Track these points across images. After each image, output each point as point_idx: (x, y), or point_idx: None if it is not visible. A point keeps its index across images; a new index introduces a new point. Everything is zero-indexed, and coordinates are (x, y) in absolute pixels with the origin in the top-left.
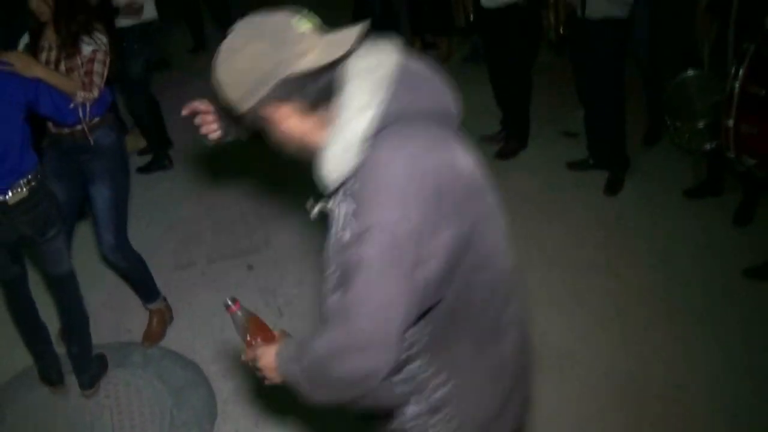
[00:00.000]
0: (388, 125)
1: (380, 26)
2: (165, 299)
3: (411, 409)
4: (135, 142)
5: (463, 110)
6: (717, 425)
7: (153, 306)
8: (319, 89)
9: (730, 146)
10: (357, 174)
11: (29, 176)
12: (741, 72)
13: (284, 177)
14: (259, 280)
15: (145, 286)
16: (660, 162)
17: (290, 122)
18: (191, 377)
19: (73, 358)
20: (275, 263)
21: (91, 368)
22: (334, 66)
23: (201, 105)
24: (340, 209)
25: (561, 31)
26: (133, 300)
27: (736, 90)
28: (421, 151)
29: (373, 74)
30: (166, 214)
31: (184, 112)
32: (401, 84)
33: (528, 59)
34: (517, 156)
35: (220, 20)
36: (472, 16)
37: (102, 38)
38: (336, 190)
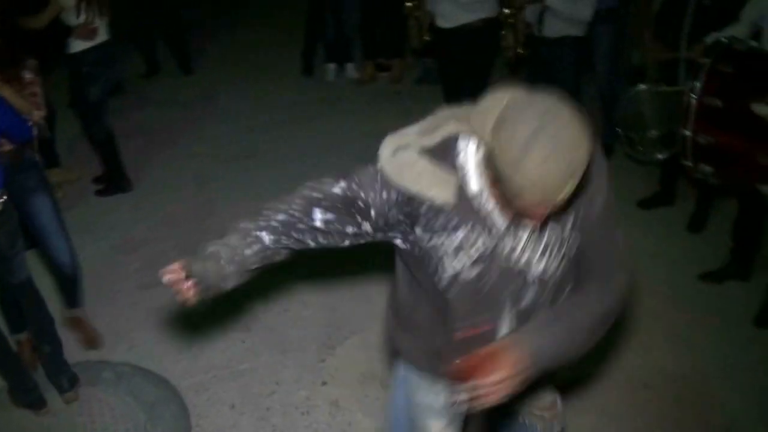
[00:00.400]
0: None
1: (333, 51)
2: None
3: None
4: (65, 175)
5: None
6: None
7: (78, 312)
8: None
9: (688, 155)
10: None
11: (2, 190)
12: (698, 85)
13: (245, 192)
14: (225, 298)
15: (80, 290)
16: (614, 174)
17: None
18: (163, 393)
19: (48, 359)
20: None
21: (68, 368)
22: None
23: (173, 274)
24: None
25: (520, 51)
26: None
27: (694, 102)
28: None
29: None
30: (128, 236)
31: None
32: None
33: (483, 79)
34: None
35: (173, 44)
36: (427, 37)
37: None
38: None
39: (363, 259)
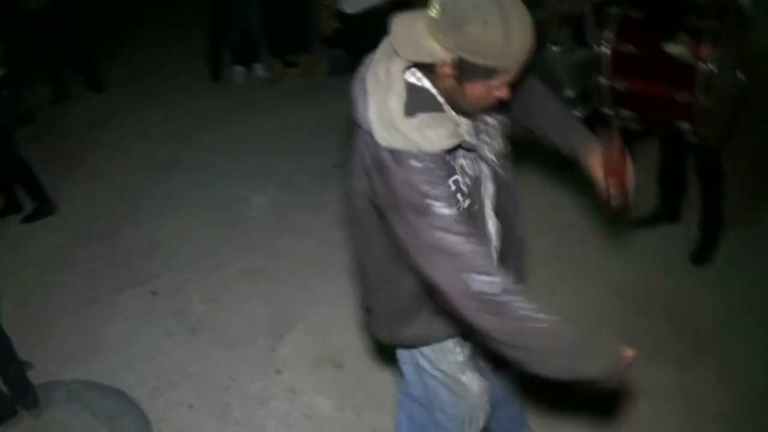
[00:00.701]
0: None
1: (239, 53)
2: None
3: None
4: None
5: (326, 120)
6: None
7: None
8: None
9: (607, 103)
10: None
11: None
12: (610, 34)
13: (170, 199)
14: (166, 304)
15: None
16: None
17: None
18: (119, 404)
19: (12, 380)
20: (177, 285)
21: (31, 385)
22: None
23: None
24: None
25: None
26: (29, 335)
27: (608, 51)
28: None
29: None
30: (60, 256)
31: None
32: None
33: None
34: None
35: (81, 64)
36: (337, 24)
37: None
38: None
39: (295, 249)
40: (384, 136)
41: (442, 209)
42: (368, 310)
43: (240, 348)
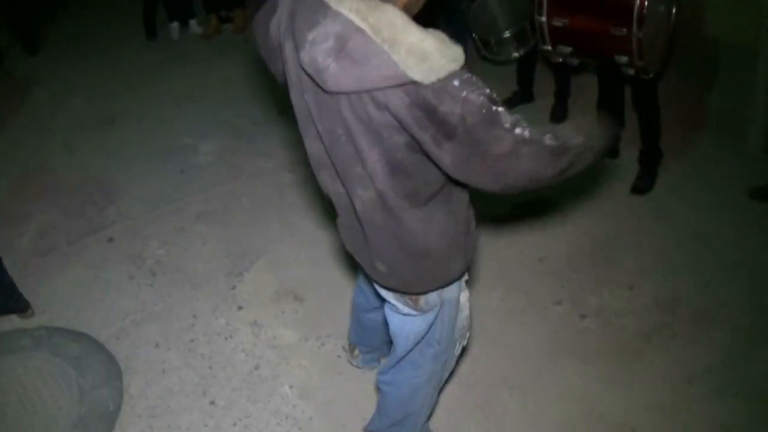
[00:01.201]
0: None
1: (174, 8)
2: None
3: None
4: None
5: (265, 70)
6: None
7: None
8: None
9: (546, 40)
10: None
11: None
12: None
13: (114, 154)
14: (123, 250)
15: None
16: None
17: None
18: (86, 346)
19: (5, 286)
20: (133, 231)
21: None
22: None
23: None
24: None
25: None
26: None
27: None
28: None
29: None
30: (11, 212)
31: None
32: None
33: None
34: None
35: (18, 25)
36: None
37: None
38: None
39: (247, 192)
40: (424, 74)
41: (500, 108)
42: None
43: (201, 287)
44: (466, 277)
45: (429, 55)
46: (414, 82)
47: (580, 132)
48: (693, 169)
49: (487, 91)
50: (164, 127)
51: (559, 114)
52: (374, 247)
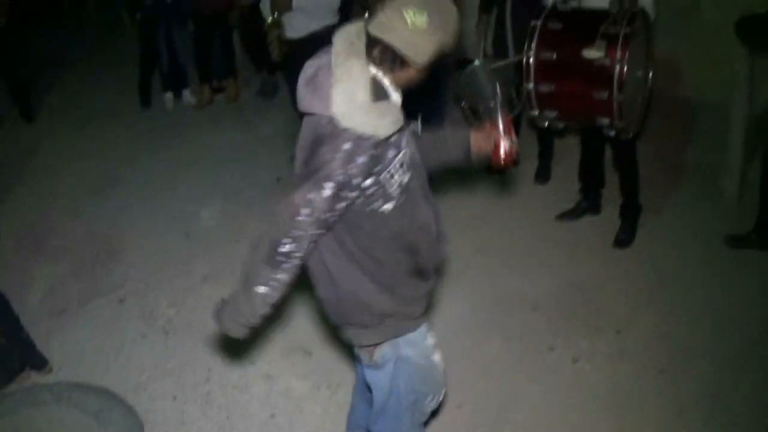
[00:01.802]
0: None
1: (169, 78)
2: None
3: None
4: None
5: (259, 139)
6: None
7: None
8: None
9: (534, 105)
10: None
11: None
12: (533, 44)
13: (118, 218)
14: (135, 310)
15: None
16: None
17: None
18: (105, 400)
19: (24, 344)
20: (143, 292)
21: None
22: None
23: None
24: None
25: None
26: None
27: (532, 59)
28: None
29: None
30: (22, 273)
31: None
32: None
33: None
34: None
35: (15, 92)
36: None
37: None
38: None
39: None
40: (344, 116)
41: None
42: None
43: (212, 344)
44: (428, 338)
45: (354, 105)
46: (331, 118)
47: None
48: (672, 220)
49: (353, 180)
50: (165, 193)
51: (543, 175)
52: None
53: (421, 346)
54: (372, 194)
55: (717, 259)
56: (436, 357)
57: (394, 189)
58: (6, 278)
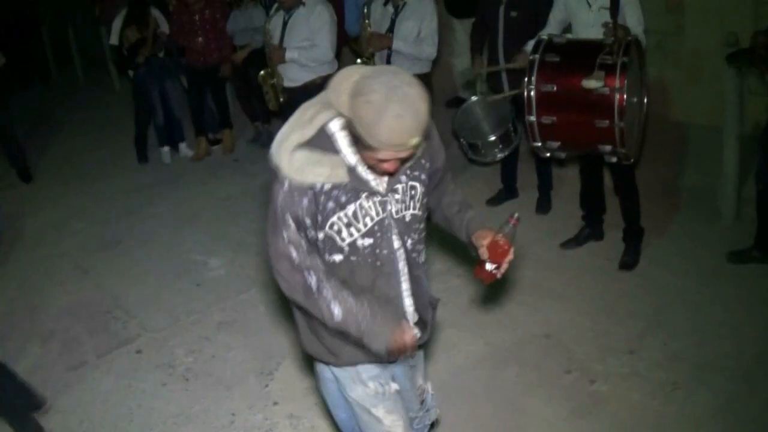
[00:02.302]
0: None
1: (165, 132)
2: None
3: None
4: None
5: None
6: None
7: None
8: None
9: (536, 137)
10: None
11: None
12: (533, 77)
13: (125, 274)
14: (153, 360)
15: None
16: (461, 183)
17: None
18: None
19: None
20: (159, 343)
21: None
22: None
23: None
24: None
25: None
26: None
27: (533, 92)
28: None
29: None
30: (37, 330)
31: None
32: None
33: None
34: None
35: (12, 154)
36: (281, 98)
37: None
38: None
39: (263, 300)
40: (275, 155)
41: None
42: None
43: (234, 388)
44: (371, 386)
45: (282, 145)
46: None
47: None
48: (674, 242)
49: (303, 219)
50: (171, 246)
51: (544, 206)
52: None
53: (351, 381)
54: (323, 241)
55: (719, 276)
56: (379, 413)
57: (344, 243)
58: (19, 336)
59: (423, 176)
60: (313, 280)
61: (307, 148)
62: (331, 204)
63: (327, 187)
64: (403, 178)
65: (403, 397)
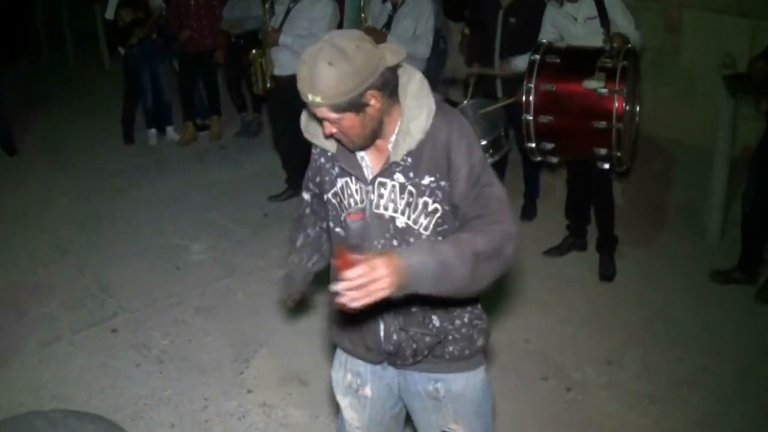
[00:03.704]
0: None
1: (153, 115)
2: None
3: None
4: None
5: (244, 176)
6: None
7: None
8: (393, 82)
9: (531, 137)
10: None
11: None
12: (533, 76)
13: (106, 251)
14: (128, 340)
15: None
16: None
17: (378, 105)
18: (102, 427)
19: None
20: (136, 323)
21: None
22: (398, 66)
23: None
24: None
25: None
26: None
27: (532, 91)
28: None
29: (419, 78)
30: (8, 304)
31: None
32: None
33: None
34: None
35: None
36: (269, 83)
37: None
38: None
39: (242, 288)
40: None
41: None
42: None
43: (209, 374)
44: (348, 377)
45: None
46: None
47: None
48: (657, 258)
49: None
50: (153, 228)
51: (529, 213)
52: None
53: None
54: (330, 205)
55: (701, 294)
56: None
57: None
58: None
59: (438, 193)
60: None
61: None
62: (327, 175)
63: (318, 153)
64: (398, 176)
65: (371, 406)
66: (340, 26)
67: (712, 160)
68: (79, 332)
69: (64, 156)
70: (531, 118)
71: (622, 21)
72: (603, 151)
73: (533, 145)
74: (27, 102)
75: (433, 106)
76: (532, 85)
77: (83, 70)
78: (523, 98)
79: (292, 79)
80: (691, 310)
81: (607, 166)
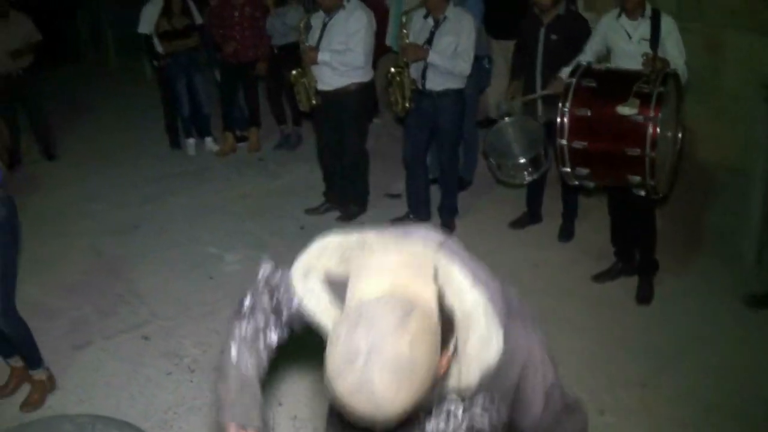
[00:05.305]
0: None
1: (190, 125)
2: (48, 369)
3: None
4: None
5: (282, 188)
6: None
7: (36, 374)
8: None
9: (566, 162)
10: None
11: None
12: (568, 101)
13: (141, 257)
14: (159, 347)
15: (29, 353)
16: (486, 204)
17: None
18: None
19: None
20: (168, 331)
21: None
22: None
23: None
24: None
25: (407, 105)
26: None
27: (566, 115)
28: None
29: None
30: (43, 307)
31: None
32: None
33: (363, 135)
34: (358, 218)
35: (38, 131)
36: (314, 100)
37: None
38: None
39: None
40: None
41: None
42: None
43: None
44: None
45: None
46: None
47: None
48: (693, 281)
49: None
50: (188, 237)
51: (567, 234)
52: None
53: None
54: None
55: (738, 319)
56: None
57: None
58: (27, 311)
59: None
60: None
61: (329, 290)
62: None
63: None
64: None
65: None
66: (381, 41)
67: (748, 182)
68: (110, 338)
69: (101, 162)
70: (565, 143)
71: (673, 51)
72: (637, 179)
73: (568, 170)
74: (68, 106)
75: None
76: (567, 110)
77: (124, 77)
78: (558, 120)
79: (335, 94)
80: (727, 335)
81: (642, 193)
